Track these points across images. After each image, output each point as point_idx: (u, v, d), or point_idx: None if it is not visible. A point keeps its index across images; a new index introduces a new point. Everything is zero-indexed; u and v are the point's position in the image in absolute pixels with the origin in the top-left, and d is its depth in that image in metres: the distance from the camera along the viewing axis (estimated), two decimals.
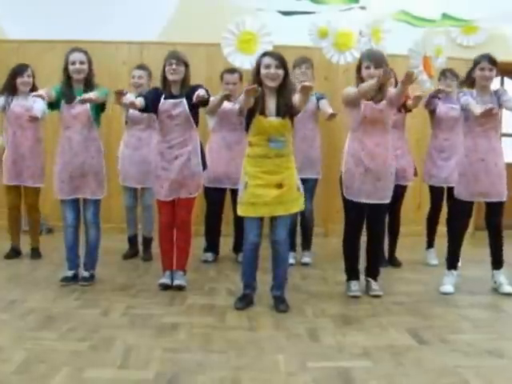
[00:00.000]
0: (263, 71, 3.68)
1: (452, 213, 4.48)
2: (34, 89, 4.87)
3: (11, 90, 5.01)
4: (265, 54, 3.77)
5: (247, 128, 3.76)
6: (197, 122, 4.18)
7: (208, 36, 6.04)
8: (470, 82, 4.23)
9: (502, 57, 5.93)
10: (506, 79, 7.27)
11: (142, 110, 4.12)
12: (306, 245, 5.30)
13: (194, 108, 4.08)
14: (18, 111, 4.98)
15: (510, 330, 3.56)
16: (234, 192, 4.72)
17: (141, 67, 5.25)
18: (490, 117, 3.98)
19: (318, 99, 5.09)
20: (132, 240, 5.41)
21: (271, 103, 3.71)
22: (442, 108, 5.10)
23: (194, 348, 3.02)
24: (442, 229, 5.00)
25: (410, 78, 3.62)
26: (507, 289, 4.22)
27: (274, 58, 3.67)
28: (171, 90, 4.11)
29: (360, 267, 4.21)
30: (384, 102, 3.93)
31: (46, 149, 5.10)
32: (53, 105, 4.26)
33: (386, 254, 5.15)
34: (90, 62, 4.24)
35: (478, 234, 6.03)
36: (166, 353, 2.93)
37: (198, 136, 4.23)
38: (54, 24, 6.14)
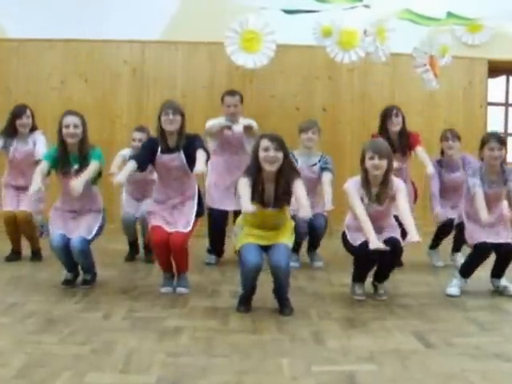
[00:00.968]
0: (262, 154, 3.56)
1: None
2: (33, 128, 5.11)
3: (11, 131, 5.09)
4: (263, 137, 3.64)
5: None
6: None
7: (210, 35, 6.02)
8: (480, 158, 4.26)
9: (506, 55, 5.94)
10: (511, 78, 7.23)
11: (139, 170, 4.05)
12: (314, 248, 5.25)
13: (190, 157, 4.00)
14: (18, 157, 5.10)
15: None
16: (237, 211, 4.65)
17: (140, 129, 5.27)
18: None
19: (322, 169, 5.02)
20: (132, 243, 5.42)
21: (269, 190, 3.62)
22: (445, 176, 5.17)
23: (197, 352, 2.98)
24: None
25: None
26: None
27: (273, 140, 3.55)
28: (167, 141, 4.06)
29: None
30: (387, 201, 3.91)
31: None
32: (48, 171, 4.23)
33: None
34: (84, 125, 4.16)
35: None
36: (168, 357, 2.89)
37: (196, 183, 4.20)
38: (54, 23, 6.13)
